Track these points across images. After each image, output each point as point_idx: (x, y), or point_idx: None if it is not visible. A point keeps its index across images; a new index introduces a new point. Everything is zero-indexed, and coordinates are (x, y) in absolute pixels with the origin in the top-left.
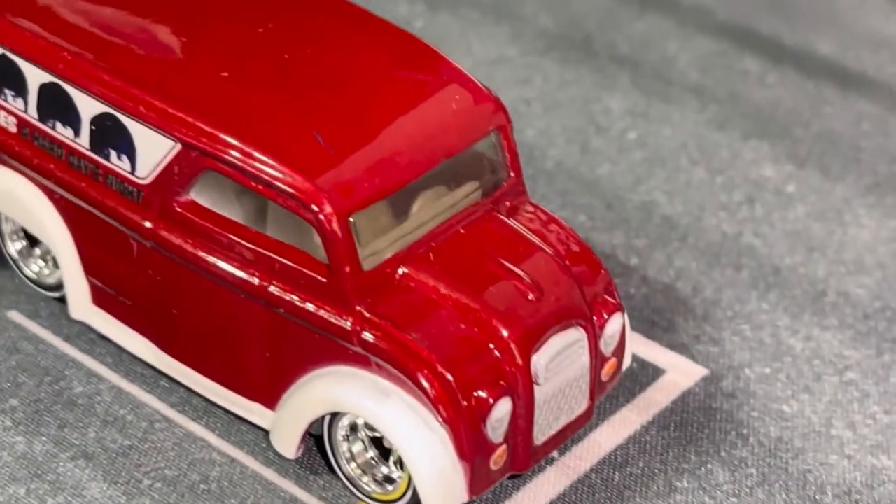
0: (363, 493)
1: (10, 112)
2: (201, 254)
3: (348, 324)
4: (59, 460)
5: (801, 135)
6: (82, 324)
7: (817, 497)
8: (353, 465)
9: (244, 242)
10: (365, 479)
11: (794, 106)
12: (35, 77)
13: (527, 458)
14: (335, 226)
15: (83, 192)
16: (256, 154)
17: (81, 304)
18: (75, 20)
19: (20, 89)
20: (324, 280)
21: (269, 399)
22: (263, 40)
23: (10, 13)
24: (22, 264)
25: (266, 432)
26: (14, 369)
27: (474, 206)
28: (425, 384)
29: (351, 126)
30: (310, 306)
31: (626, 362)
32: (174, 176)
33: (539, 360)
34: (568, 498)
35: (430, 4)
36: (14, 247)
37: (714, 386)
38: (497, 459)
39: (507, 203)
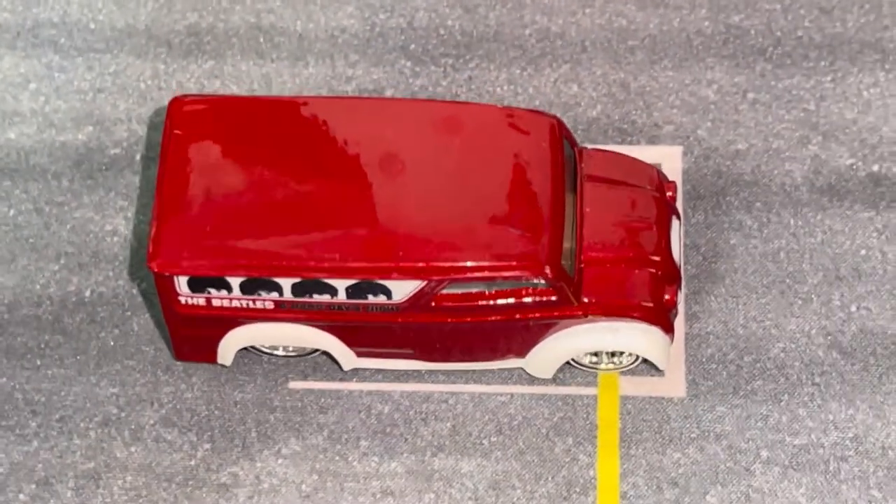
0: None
1: (265, 300)
2: (456, 320)
3: (580, 313)
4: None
5: None
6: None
7: None
8: (602, 363)
9: (489, 302)
10: (604, 364)
11: None
12: (287, 281)
13: None
14: (557, 280)
15: (346, 320)
16: (487, 264)
17: (349, 361)
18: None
19: (272, 289)
20: (554, 299)
21: (520, 353)
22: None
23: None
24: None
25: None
26: (337, 424)
27: (579, 185)
28: (639, 316)
29: (514, 204)
30: (552, 314)
31: None
32: (425, 294)
33: (675, 255)
34: None
35: None
36: (281, 352)
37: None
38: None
39: (582, 164)
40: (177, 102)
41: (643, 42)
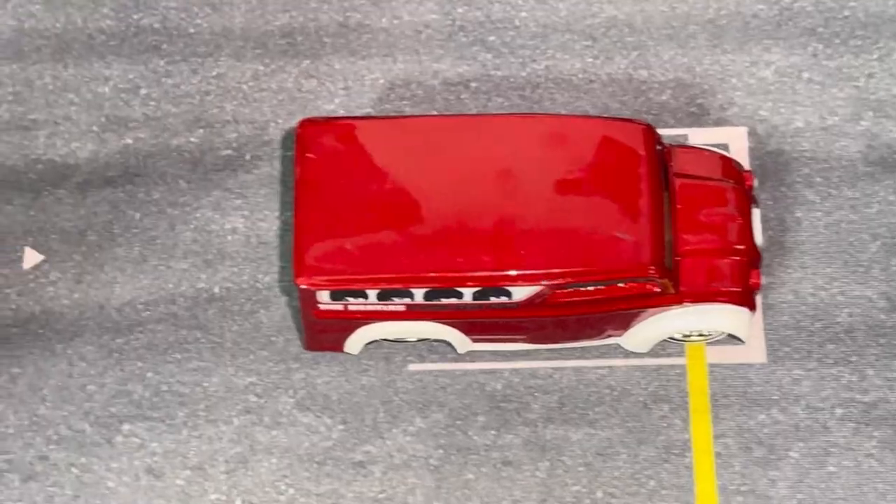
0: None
1: (398, 304)
2: (568, 313)
3: (677, 301)
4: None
5: None
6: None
7: None
8: (692, 336)
9: (598, 296)
10: (693, 337)
11: None
12: (419, 290)
13: None
14: (660, 277)
15: (469, 317)
16: (599, 268)
17: (465, 345)
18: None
19: (405, 296)
20: (658, 290)
21: (619, 331)
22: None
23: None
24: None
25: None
26: (455, 401)
27: (671, 184)
28: (728, 300)
29: (619, 210)
30: (653, 303)
31: None
32: (542, 294)
33: (757, 240)
34: None
35: None
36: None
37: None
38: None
39: (671, 164)
40: (304, 126)
41: (704, 27)
